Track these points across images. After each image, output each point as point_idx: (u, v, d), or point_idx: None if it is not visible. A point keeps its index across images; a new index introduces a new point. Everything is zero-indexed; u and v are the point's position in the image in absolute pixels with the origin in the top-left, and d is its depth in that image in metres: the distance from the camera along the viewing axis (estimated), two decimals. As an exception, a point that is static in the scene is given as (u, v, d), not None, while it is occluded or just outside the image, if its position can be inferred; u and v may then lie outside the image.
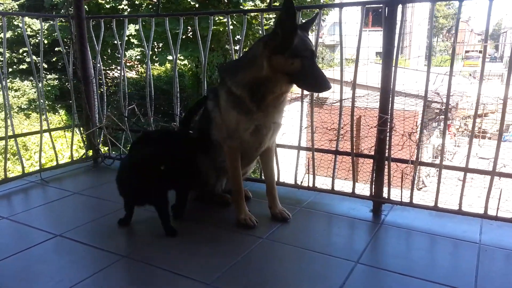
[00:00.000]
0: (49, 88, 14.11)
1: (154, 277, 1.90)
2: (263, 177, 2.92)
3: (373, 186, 2.57)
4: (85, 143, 3.61)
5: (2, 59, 3.18)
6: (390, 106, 2.40)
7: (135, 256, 2.07)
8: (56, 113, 13.38)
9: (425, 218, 2.49)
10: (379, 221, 2.47)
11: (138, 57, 13.06)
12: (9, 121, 3.08)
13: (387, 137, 2.45)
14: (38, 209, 2.71)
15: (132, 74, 15.81)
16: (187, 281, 1.86)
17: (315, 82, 2.13)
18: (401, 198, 2.51)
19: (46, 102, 13.45)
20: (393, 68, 2.36)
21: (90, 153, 3.63)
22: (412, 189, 2.51)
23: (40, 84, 3.30)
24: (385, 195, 2.58)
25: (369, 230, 2.39)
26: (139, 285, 1.86)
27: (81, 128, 3.64)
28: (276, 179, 2.68)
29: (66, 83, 13.57)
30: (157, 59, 12.25)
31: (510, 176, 2.25)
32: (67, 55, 3.43)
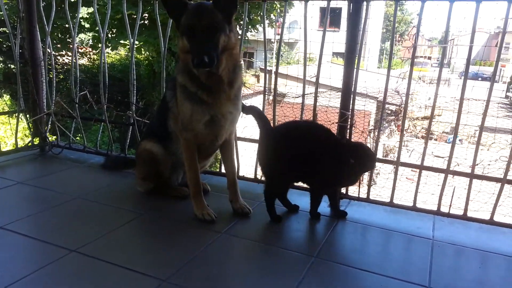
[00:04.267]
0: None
1: (104, 273, 1.79)
2: (223, 171, 2.87)
3: (332, 181, 2.58)
4: (31, 130, 3.38)
5: None
6: (351, 103, 2.42)
7: (84, 251, 1.94)
8: (0, 98, 12.54)
9: (381, 214, 2.53)
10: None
11: (90, 42, 12.50)
12: None
13: (347, 134, 2.47)
14: (-24, 199, 2.49)
15: (84, 61, 15.12)
16: (141, 277, 1.77)
17: (192, 58, 2.00)
18: (359, 194, 2.55)
19: (-12, 86, 12.58)
20: (355, 65, 2.38)
21: (36, 141, 3.40)
22: (369, 185, 2.55)
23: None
24: (342, 190, 2.60)
25: (327, 225, 2.40)
26: (88, 282, 1.74)
27: (27, 114, 3.40)
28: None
29: (12, 66, 12.75)
30: (110, 45, 11.77)
31: (463, 174, 2.34)
32: (14, 35, 3.18)
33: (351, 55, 2.38)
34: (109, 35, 12.10)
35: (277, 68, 2.74)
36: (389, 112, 11.01)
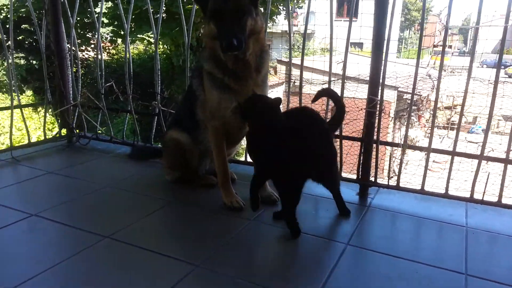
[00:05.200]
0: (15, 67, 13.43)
1: (139, 259, 1.81)
2: (248, 159, 2.87)
3: (360, 169, 2.54)
4: (59, 121, 3.42)
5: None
6: (380, 88, 2.37)
7: (117, 237, 1.97)
8: (23, 93, 12.79)
9: (411, 202, 2.49)
10: (366, 204, 2.45)
11: (108, 36, 12.62)
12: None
13: (377, 121, 2.43)
14: (10, 188, 2.54)
15: (103, 56, 15.25)
16: (175, 262, 1.78)
17: (220, 42, 1.99)
18: (388, 182, 2.51)
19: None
20: (384, 48, 2.33)
21: (64, 132, 3.45)
22: (399, 173, 2.51)
23: (10, 59, 3.09)
24: (371, 178, 2.56)
25: (356, 212, 2.36)
26: (123, 267, 1.76)
27: (54, 106, 3.44)
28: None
29: (34, 62, 12.99)
30: (129, 38, 11.86)
31: (497, 160, 2.28)
32: (39, 28, 3.22)
33: (379, 40, 2.33)
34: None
35: (302, 58, 2.71)
36: (409, 102, 10.81)
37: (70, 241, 1.96)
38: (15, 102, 3.13)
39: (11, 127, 3.13)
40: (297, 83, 2.79)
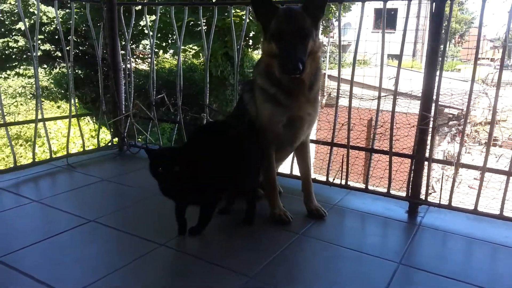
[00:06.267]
0: (59, 76, 14.10)
1: (194, 267, 1.86)
2: (293, 173, 2.89)
3: (410, 186, 2.51)
4: (111, 130, 3.58)
5: (34, 45, 3.16)
6: (434, 105, 2.34)
7: (172, 245, 2.03)
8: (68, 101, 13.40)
9: (463, 222, 2.43)
10: (416, 222, 2.41)
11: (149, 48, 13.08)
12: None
13: (429, 138, 2.39)
14: (68, 194, 2.67)
15: (144, 66, 15.76)
16: (228, 273, 1.82)
17: (280, 64, 2.02)
18: (440, 200, 2.46)
19: (60, 90, 13.46)
20: (439, 63, 2.31)
21: (115, 140, 3.60)
22: (451, 191, 2.45)
23: (70, 69, 3.27)
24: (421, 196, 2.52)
25: (406, 231, 2.34)
26: (178, 275, 1.83)
27: (106, 116, 3.60)
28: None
29: (79, 72, 13.59)
30: (171, 51, 12.24)
31: (559, 181, 2.19)
32: (97, 41, 3.39)
33: (434, 56, 2.31)
34: (170, 41, 12.61)
35: (353, 72, 2.72)
36: (450, 116, 10.52)
37: (127, 248, 2.02)
38: (68, 112, 3.28)
39: (68, 135, 3.30)
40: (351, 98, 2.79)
